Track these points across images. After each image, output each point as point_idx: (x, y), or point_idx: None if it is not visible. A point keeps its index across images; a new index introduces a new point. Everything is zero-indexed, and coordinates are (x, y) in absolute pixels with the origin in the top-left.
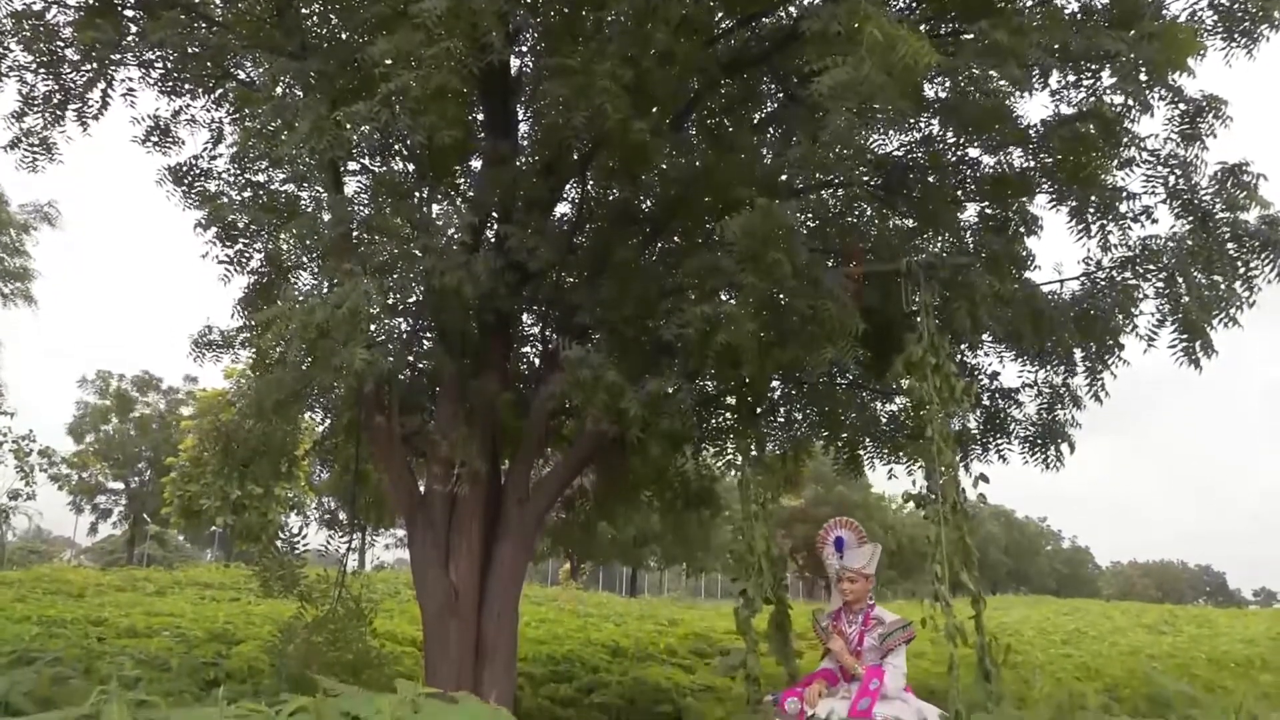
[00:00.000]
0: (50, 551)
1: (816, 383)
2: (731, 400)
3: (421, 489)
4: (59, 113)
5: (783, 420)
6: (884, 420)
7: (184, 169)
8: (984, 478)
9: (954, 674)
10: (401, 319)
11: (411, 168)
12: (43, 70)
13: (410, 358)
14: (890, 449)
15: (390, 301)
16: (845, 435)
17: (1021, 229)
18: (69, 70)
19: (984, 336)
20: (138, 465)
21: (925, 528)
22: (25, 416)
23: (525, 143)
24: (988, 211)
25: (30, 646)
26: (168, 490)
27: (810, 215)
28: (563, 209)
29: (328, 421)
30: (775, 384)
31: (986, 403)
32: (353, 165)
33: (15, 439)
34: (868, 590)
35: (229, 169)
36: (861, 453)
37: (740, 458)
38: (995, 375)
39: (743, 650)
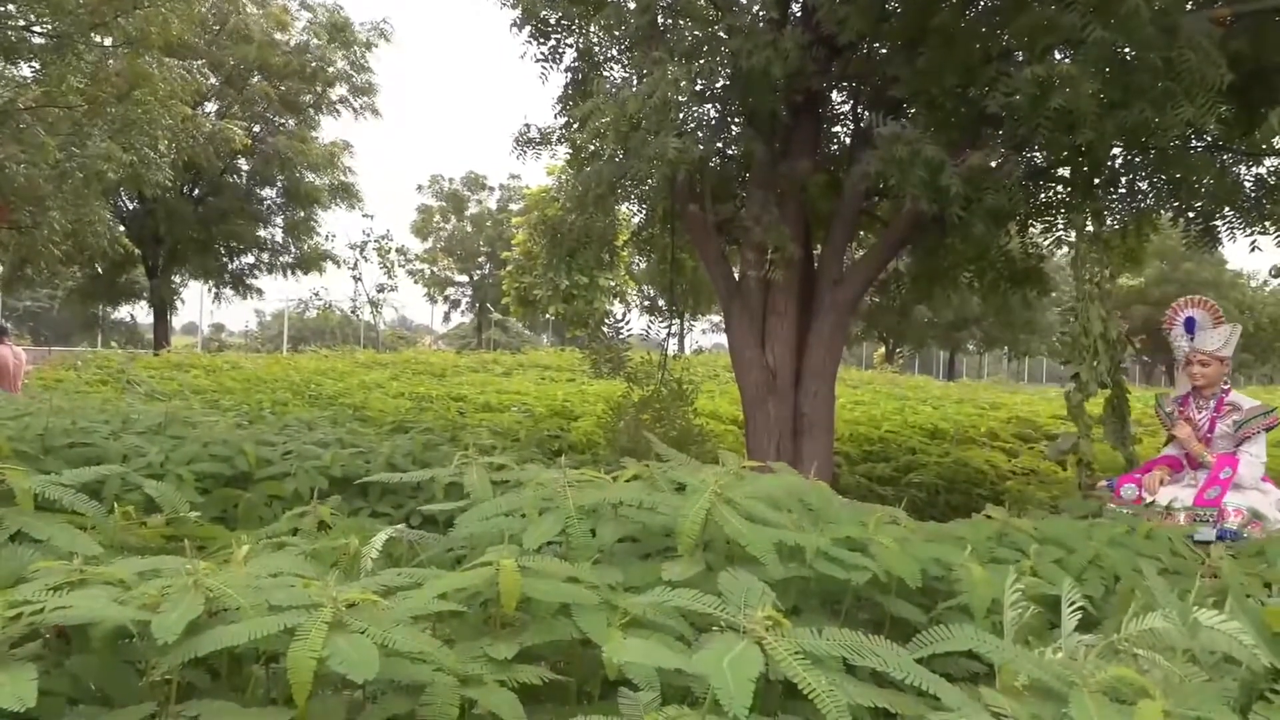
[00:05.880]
0: (413, 338)
1: (1166, 147)
2: (1064, 172)
3: (736, 275)
4: None
5: (1124, 190)
6: (1248, 185)
7: None
8: None
9: None
10: (710, 105)
11: None
12: None
13: (720, 144)
14: (1254, 218)
15: (698, 88)
16: (1199, 205)
17: None
18: None
19: None
20: (478, 260)
21: None
22: (378, 220)
23: None
24: None
25: (405, 418)
26: (505, 282)
27: None
28: None
29: (644, 212)
30: (1116, 150)
31: None
32: None
33: (376, 239)
34: (1221, 375)
35: None
36: (1218, 223)
37: (1074, 234)
38: None
39: (1073, 435)
